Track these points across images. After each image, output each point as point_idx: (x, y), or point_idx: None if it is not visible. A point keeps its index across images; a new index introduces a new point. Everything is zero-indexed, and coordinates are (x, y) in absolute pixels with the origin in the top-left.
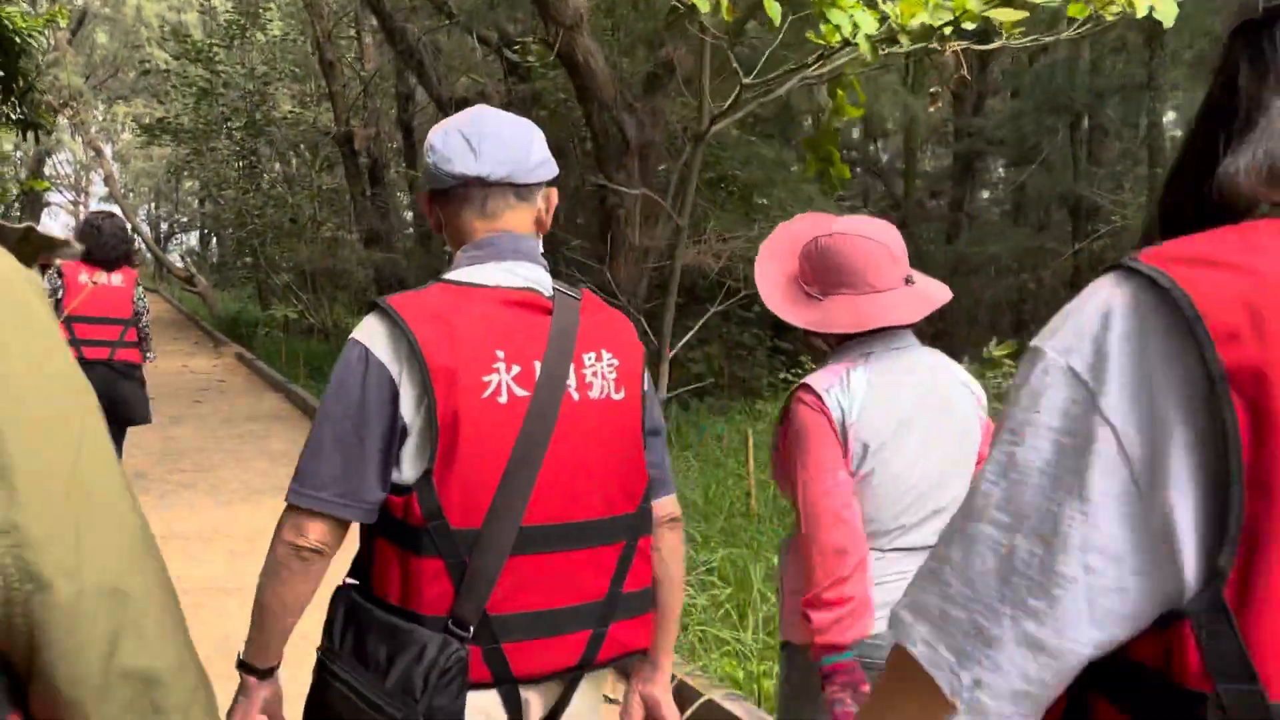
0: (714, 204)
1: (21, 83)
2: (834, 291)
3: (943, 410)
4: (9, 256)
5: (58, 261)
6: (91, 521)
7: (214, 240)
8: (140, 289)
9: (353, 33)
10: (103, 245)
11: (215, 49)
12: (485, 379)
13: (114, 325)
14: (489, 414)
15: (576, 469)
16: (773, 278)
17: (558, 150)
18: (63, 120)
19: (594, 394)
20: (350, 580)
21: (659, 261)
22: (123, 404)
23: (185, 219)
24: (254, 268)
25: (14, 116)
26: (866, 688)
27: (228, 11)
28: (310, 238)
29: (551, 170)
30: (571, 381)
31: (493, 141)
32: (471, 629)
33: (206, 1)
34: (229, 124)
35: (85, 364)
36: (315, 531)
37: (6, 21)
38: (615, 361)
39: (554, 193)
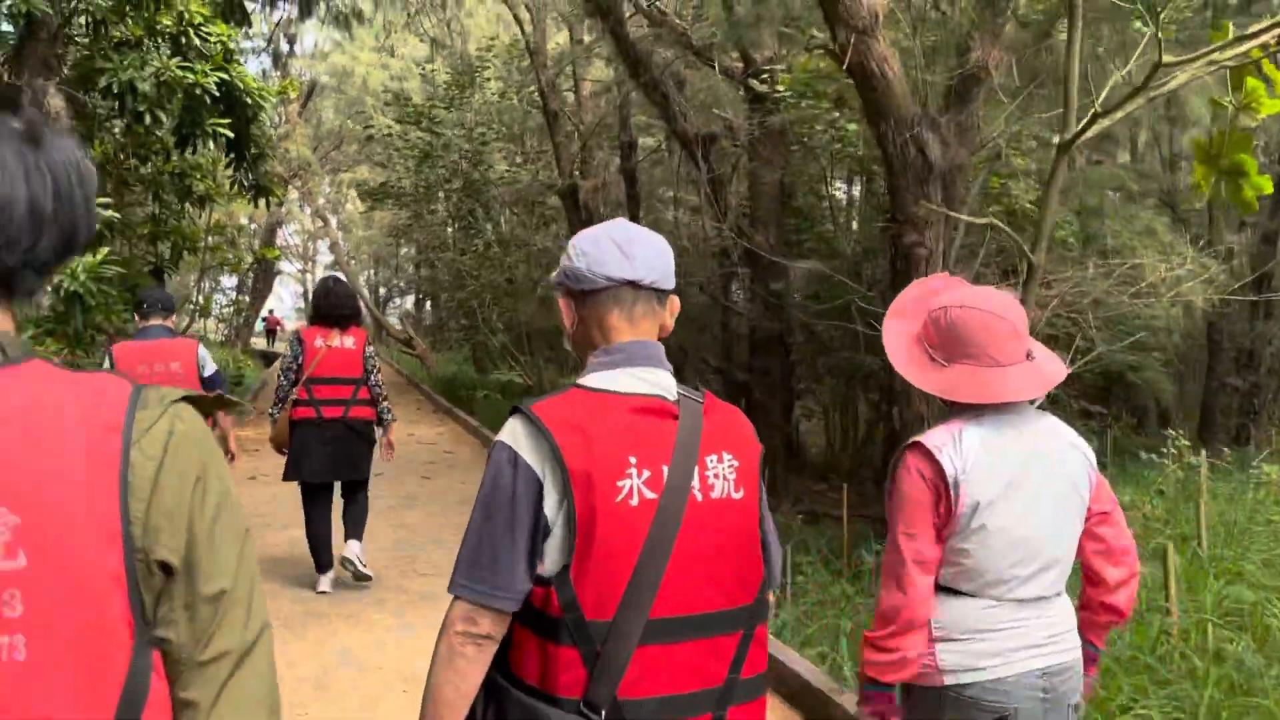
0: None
1: (253, 149)
2: (958, 360)
3: (1052, 470)
4: (199, 417)
5: (296, 326)
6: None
7: (428, 303)
8: (370, 348)
9: (569, 85)
10: (333, 305)
11: (436, 110)
12: (619, 483)
13: (347, 385)
14: (621, 516)
15: (699, 565)
16: (898, 336)
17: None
18: (292, 192)
19: (715, 494)
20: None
21: None
22: (351, 464)
23: (402, 283)
24: (470, 329)
25: (246, 183)
26: (894, 717)
27: (448, 73)
28: (527, 298)
29: (673, 282)
30: (695, 483)
31: (642, 247)
32: (603, 713)
33: (427, 68)
34: (447, 185)
35: (324, 422)
36: (485, 622)
37: (237, 81)
38: (735, 462)
39: (677, 300)
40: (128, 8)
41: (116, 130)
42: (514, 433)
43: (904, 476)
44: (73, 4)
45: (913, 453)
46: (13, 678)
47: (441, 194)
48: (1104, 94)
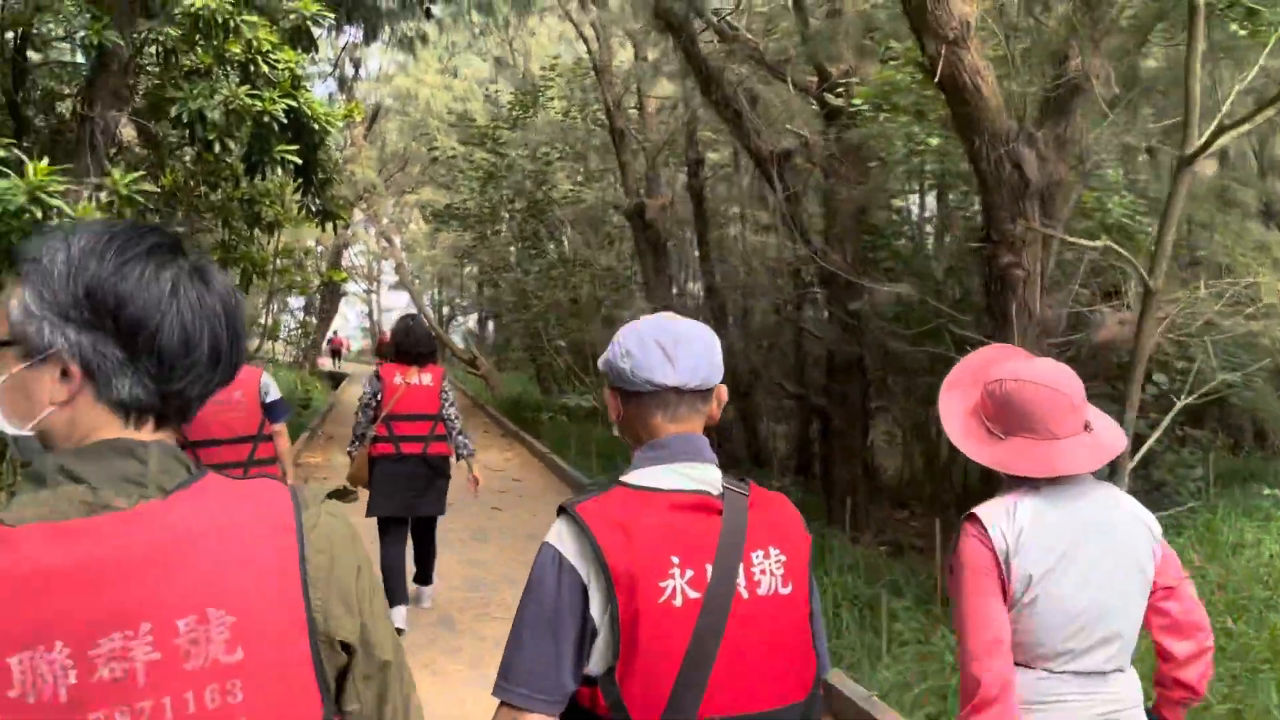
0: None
1: (320, 174)
2: (1016, 434)
3: (1111, 542)
4: (343, 512)
5: (375, 365)
6: (391, 631)
7: (490, 323)
8: (447, 383)
9: (634, 103)
10: (412, 344)
11: (500, 131)
12: (662, 584)
13: (425, 421)
14: (665, 616)
15: (749, 664)
16: (954, 409)
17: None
18: (358, 214)
19: (762, 590)
20: None
21: (1065, 336)
22: (429, 499)
23: (465, 302)
24: (534, 350)
25: (314, 208)
26: None
27: (512, 93)
28: (591, 317)
29: (721, 372)
30: (741, 581)
31: (686, 351)
32: None
33: (490, 88)
34: (511, 205)
35: (402, 458)
36: None
37: (305, 108)
38: (783, 557)
39: (724, 390)
40: (198, 37)
41: (187, 158)
42: (559, 534)
43: (963, 544)
44: (144, 35)
45: (970, 523)
46: None
47: (505, 214)
48: (1228, 104)
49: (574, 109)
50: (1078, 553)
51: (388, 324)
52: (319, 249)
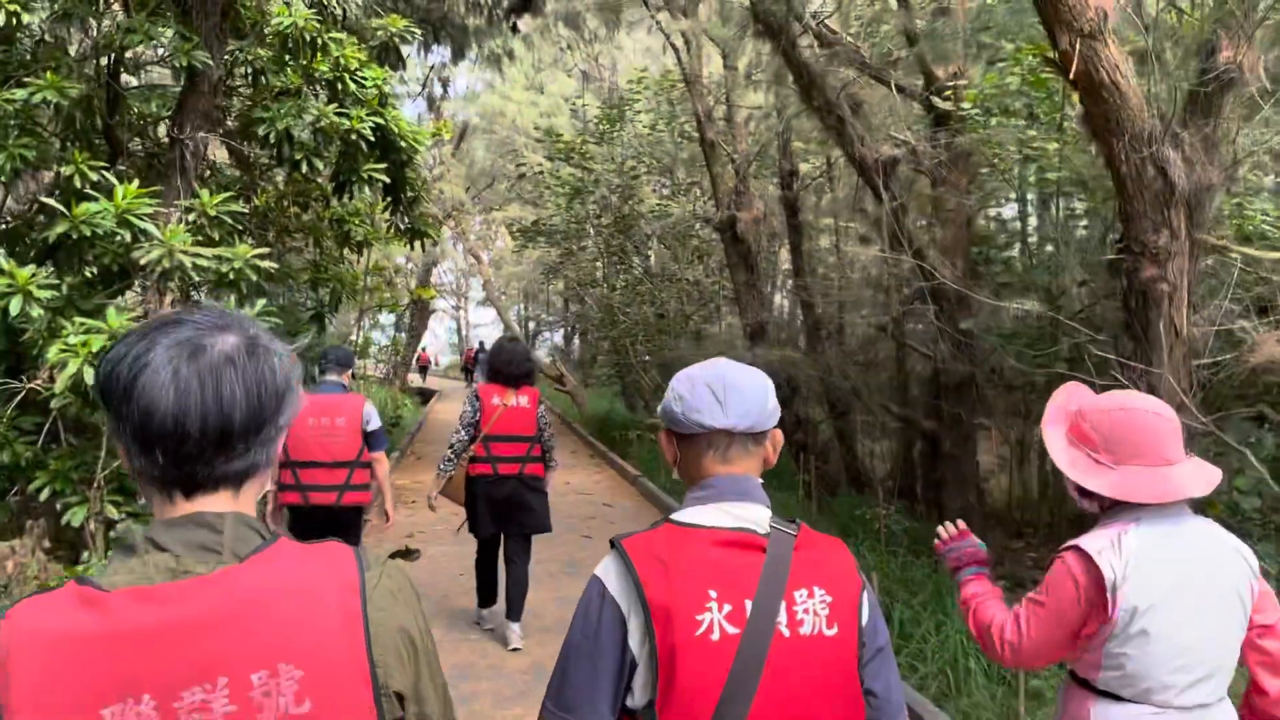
0: None
1: (409, 192)
2: (1128, 462)
3: (1214, 575)
4: (405, 572)
5: (475, 385)
6: (445, 699)
7: (576, 338)
8: (543, 407)
9: (723, 114)
10: (508, 364)
11: (588, 145)
12: (698, 617)
13: (522, 443)
14: (702, 650)
15: (789, 703)
16: (1058, 444)
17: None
18: (446, 231)
19: (805, 630)
20: None
21: (1214, 356)
22: (530, 515)
23: (551, 318)
24: (622, 366)
25: (402, 226)
26: None
27: (598, 107)
28: (678, 333)
29: (777, 415)
30: (782, 619)
31: (736, 395)
32: None
33: (576, 102)
34: (597, 221)
35: (500, 479)
36: None
37: (392, 125)
38: (829, 598)
39: (779, 434)
40: (286, 56)
41: (279, 179)
42: (606, 567)
43: (1061, 572)
44: (233, 55)
45: (1072, 555)
46: None
47: (591, 229)
48: None
49: (660, 121)
50: (1185, 585)
51: (475, 340)
52: (409, 266)
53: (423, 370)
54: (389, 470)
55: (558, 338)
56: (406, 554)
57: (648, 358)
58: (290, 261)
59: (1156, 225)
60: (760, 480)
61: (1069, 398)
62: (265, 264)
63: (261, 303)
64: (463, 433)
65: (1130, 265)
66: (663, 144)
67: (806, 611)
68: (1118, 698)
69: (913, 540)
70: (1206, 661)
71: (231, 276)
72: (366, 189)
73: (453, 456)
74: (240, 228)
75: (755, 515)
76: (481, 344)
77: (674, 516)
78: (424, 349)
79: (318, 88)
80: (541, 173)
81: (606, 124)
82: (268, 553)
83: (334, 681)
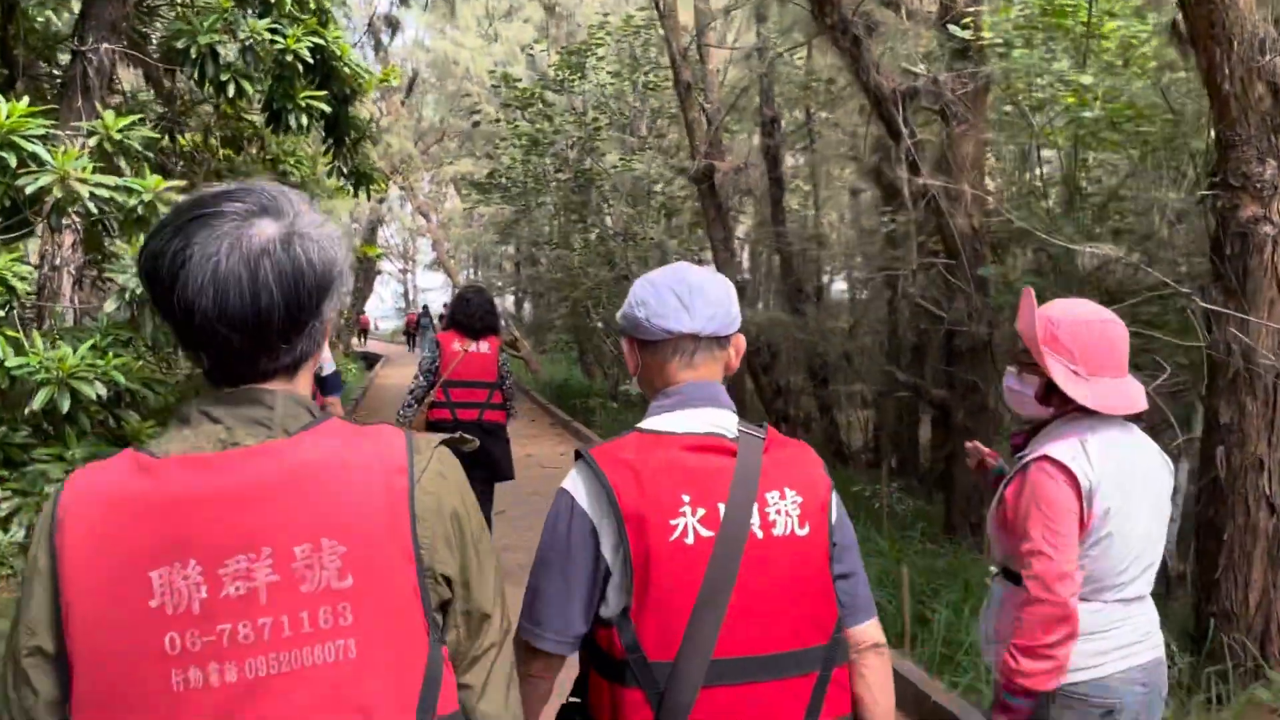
0: None
1: (353, 134)
2: (1100, 373)
3: (1150, 478)
4: (456, 458)
5: (433, 333)
6: (496, 584)
7: (526, 303)
8: (504, 354)
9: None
10: (470, 315)
11: (546, 93)
12: (672, 522)
13: (482, 389)
14: (677, 555)
15: (763, 604)
16: (1048, 358)
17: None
18: (393, 189)
19: (778, 531)
20: (573, 699)
21: None
22: (492, 462)
23: (501, 282)
24: (580, 331)
25: (345, 169)
26: None
27: (559, 52)
28: None
29: (739, 320)
30: (755, 520)
31: (701, 298)
32: None
33: (535, 46)
34: (558, 175)
35: (459, 425)
36: (536, 664)
37: (334, 48)
38: (799, 498)
39: (742, 339)
40: None
41: (207, 114)
42: (573, 479)
43: (1047, 483)
44: None
45: (1049, 464)
46: (350, 671)
47: (552, 184)
48: None
49: (624, 70)
50: (1134, 489)
51: (421, 305)
52: (354, 225)
53: (363, 334)
54: (343, 415)
55: (508, 302)
56: (460, 441)
57: (602, 324)
58: None
59: (1262, 154)
60: (725, 385)
61: (1031, 304)
62: (180, 198)
63: None
64: (422, 379)
65: (1226, 203)
66: (625, 96)
67: (779, 512)
68: None
69: (923, 520)
70: (1147, 556)
71: (140, 212)
72: (303, 119)
73: (413, 403)
74: (152, 159)
75: (723, 420)
76: (425, 308)
77: (641, 425)
78: (363, 313)
79: (248, 7)
80: (498, 121)
81: (566, 70)
82: (317, 430)
83: (377, 560)
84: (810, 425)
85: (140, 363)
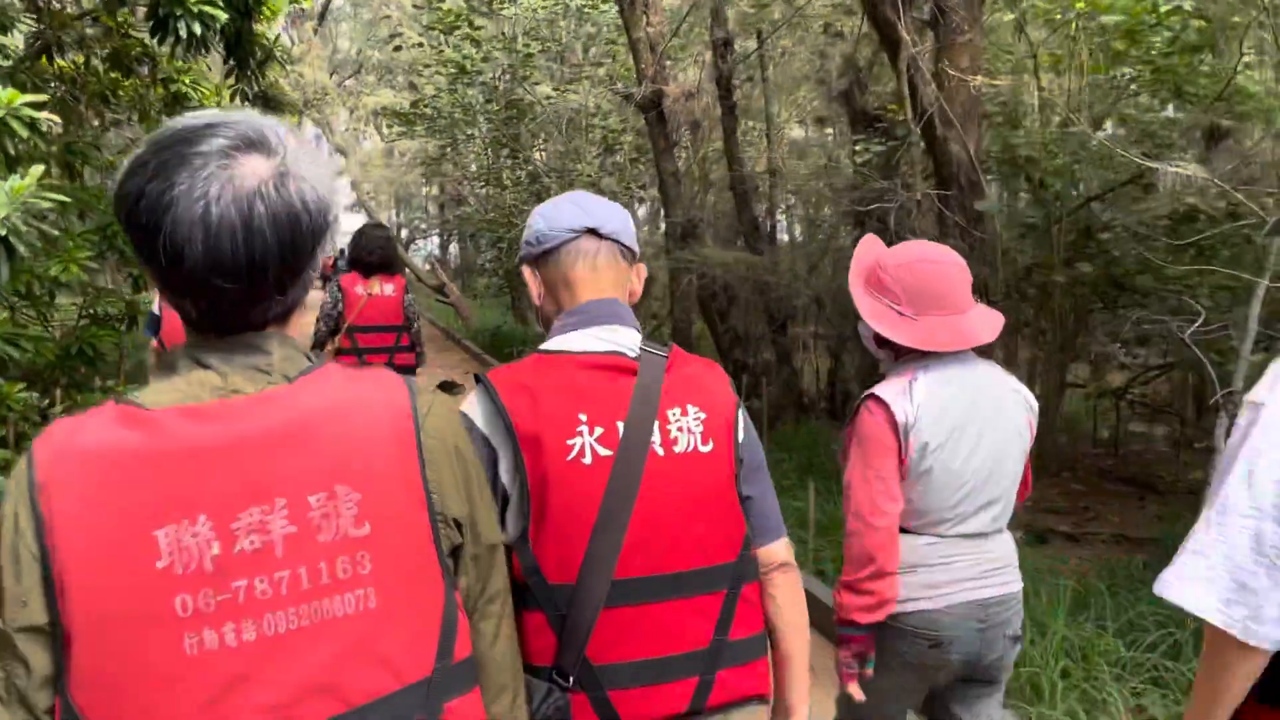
0: None
1: (258, 54)
2: (928, 312)
3: (995, 415)
4: (452, 401)
5: (337, 277)
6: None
7: (453, 245)
8: (410, 295)
9: None
10: (368, 250)
11: (473, 17)
12: (569, 442)
13: (389, 332)
14: (574, 475)
15: (667, 522)
16: (865, 300)
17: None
18: (309, 128)
19: (680, 448)
20: None
21: None
22: None
23: (425, 225)
24: (512, 275)
25: (250, 93)
26: (872, 653)
27: None
28: None
29: (638, 248)
30: (656, 438)
31: (598, 204)
32: (572, 678)
33: None
34: (487, 106)
35: None
36: None
37: None
38: (702, 415)
39: (644, 267)
40: None
41: (86, 35)
42: (471, 403)
43: (867, 419)
44: None
45: (872, 402)
46: (370, 621)
47: (482, 118)
48: None
49: None
50: (967, 425)
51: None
52: None
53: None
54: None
55: (433, 244)
56: (450, 387)
57: None
58: (109, 139)
59: None
60: (629, 306)
61: (866, 251)
62: (43, 116)
63: (37, 171)
64: (322, 325)
65: None
66: (557, 21)
67: (680, 430)
68: (903, 530)
69: None
70: (986, 493)
71: None
72: (196, 25)
73: (315, 347)
74: (25, 80)
75: (625, 339)
76: (342, 251)
77: (542, 346)
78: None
79: None
80: (420, 45)
81: None
82: (317, 374)
83: (391, 505)
84: (769, 374)
85: (3, 315)
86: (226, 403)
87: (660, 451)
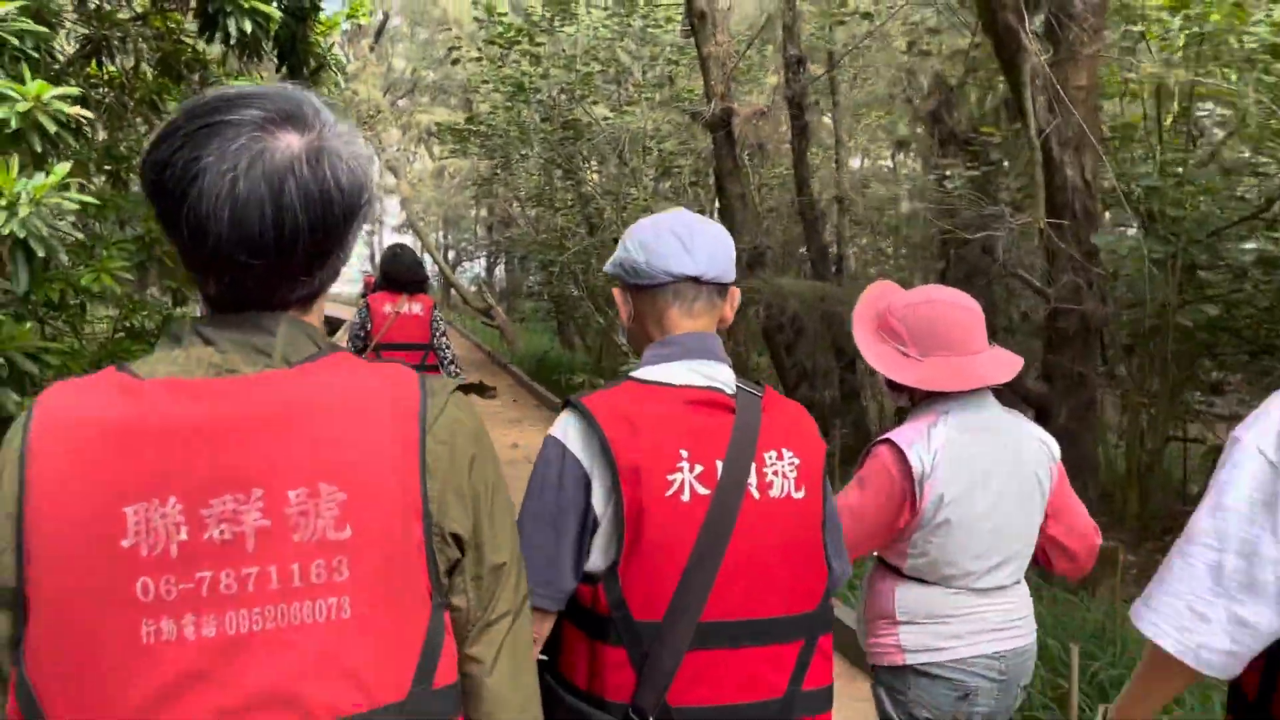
0: None
1: (312, 62)
2: (934, 353)
3: (1017, 465)
4: (472, 404)
5: (366, 297)
6: (512, 544)
7: (499, 267)
8: (437, 313)
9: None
10: (399, 271)
11: (535, 32)
12: (669, 477)
13: (416, 350)
14: (672, 511)
15: (756, 567)
16: (869, 342)
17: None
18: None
19: (774, 493)
20: (541, 656)
21: None
22: None
23: (472, 246)
24: (561, 300)
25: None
26: None
27: None
28: None
29: (735, 272)
30: (752, 480)
31: (703, 240)
32: (650, 719)
33: None
34: (545, 124)
35: None
36: None
37: None
38: (796, 460)
39: (737, 292)
40: None
41: (144, 45)
42: (564, 426)
43: (873, 464)
44: None
45: (886, 449)
46: (340, 632)
47: (540, 136)
48: None
49: (620, 8)
50: (988, 474)
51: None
52: None
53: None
54: None
55: (479, 266)
56: (481, 389)
57: (577, 294)
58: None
59: None
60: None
61: (878, 295)
62: (75, 111)
63: (61, 170)
64: (350, 344)
65: None
66: (619, 40)
67: (776, 474)
68: (922, 581)
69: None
70: (1006, 548)
71: (15, 124)
72: (246, 23)
73: None
74: (36, 58)
75: (721, 374)
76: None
77: (636, 374)
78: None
79: None
80: (479, 59)
81: (556, 5)
82: (322, 362)
83: (380, 511)
84: (839, 413)
85: (29, 325)
86: (215, 382)
87: (755, 495)
